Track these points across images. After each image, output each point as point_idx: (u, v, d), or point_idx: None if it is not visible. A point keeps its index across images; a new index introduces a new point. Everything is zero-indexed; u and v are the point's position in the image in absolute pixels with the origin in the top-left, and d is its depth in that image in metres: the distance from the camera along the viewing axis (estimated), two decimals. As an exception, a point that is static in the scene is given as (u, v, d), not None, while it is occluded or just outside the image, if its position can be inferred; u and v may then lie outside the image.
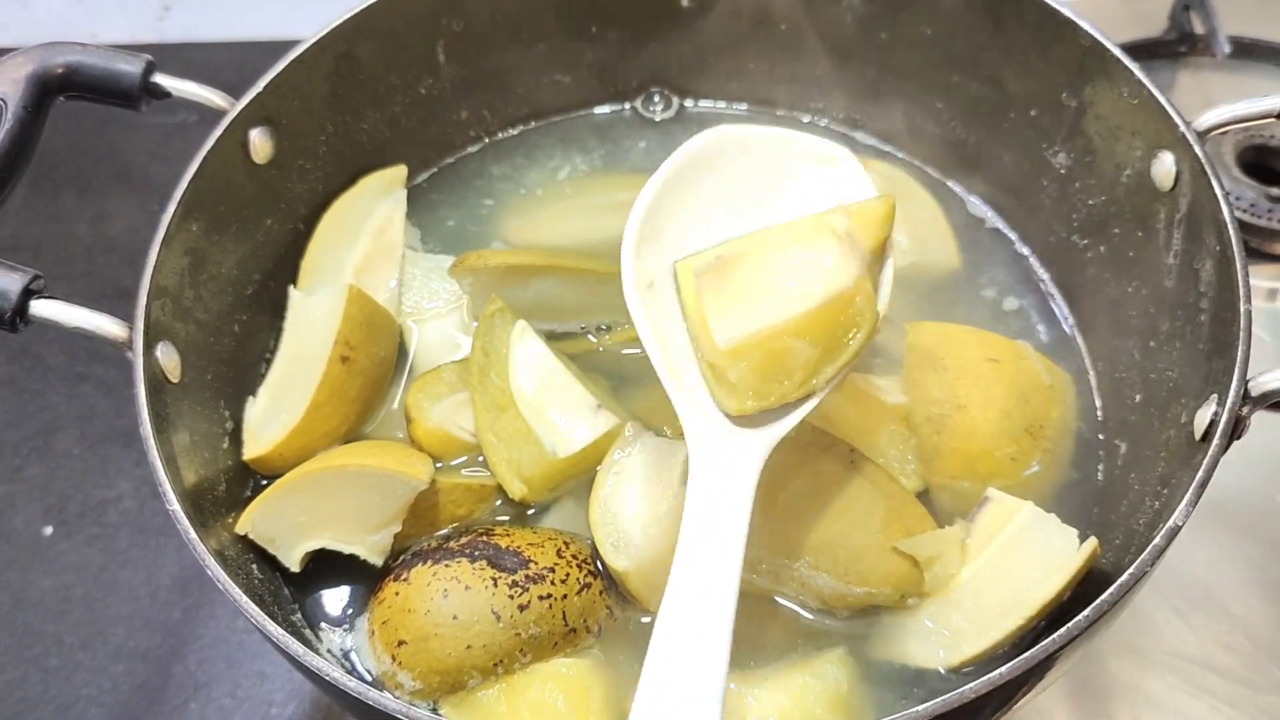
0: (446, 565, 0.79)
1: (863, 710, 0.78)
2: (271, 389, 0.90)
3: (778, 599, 0.82)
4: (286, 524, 0.82)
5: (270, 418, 0.88)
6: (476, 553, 0.80)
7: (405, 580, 0.80)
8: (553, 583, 0.79)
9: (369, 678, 0.81)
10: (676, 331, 0.74)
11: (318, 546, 0.83)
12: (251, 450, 0.87)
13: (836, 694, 0.77)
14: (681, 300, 0.74)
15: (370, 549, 0.82)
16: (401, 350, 0.94)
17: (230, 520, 0.83)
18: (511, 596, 0.78)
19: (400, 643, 0.78)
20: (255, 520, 0.82)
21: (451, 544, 0.81)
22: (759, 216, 0.78)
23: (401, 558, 0.83)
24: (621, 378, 0.92)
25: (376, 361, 0.90)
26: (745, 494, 0.70)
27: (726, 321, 0.71)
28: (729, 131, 0.81)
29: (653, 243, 0.77)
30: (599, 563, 0.82)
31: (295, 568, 0.83)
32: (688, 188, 0.79)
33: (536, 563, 0.79)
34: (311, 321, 0.90)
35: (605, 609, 0.81)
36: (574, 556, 0.81)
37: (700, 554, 0.67)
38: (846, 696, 0.77)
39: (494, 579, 0.78)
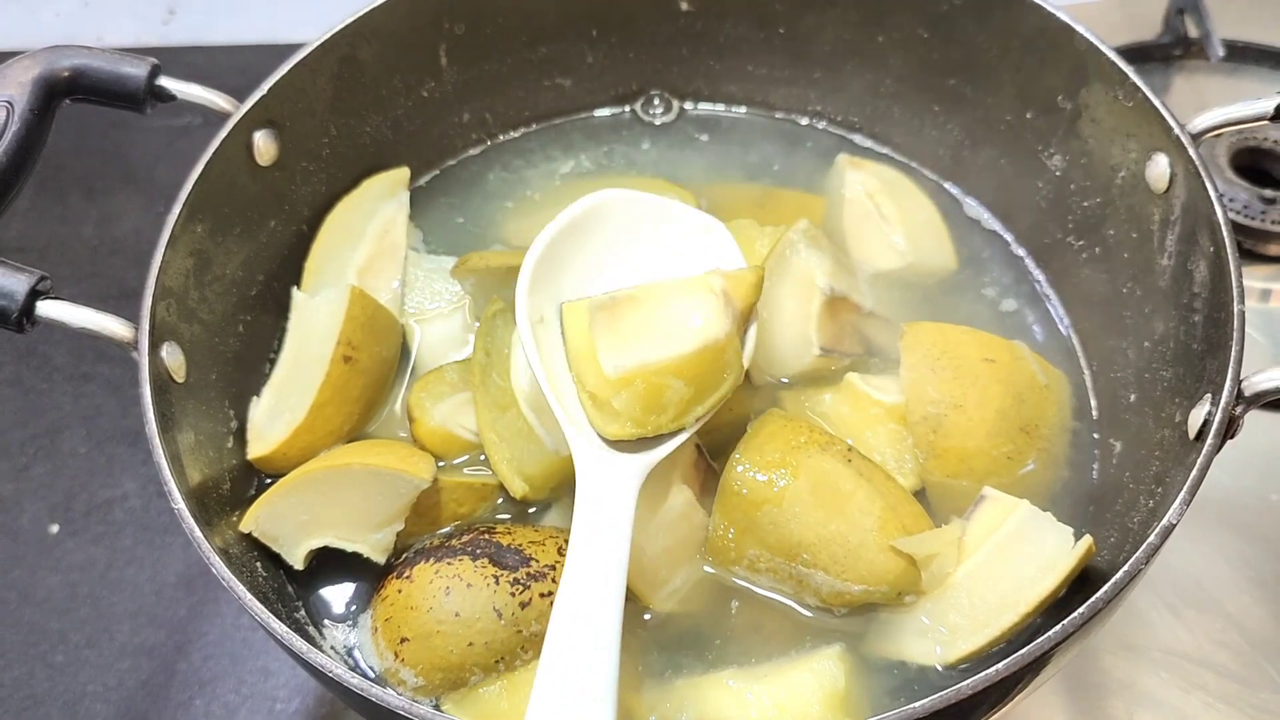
0: (449, 563, 0.79)
1: (860, 707, 0.78)
2: (275, 389, 0.90)
3: (776, 597, 0.82)
4: (290, 522, 0.82)
5: (274, 417, 0.88)
6: (478, 550, 0.80)
7: (408, 578, 0.80)
8: (554, 580, 0.79)
9: (372, 674, 0.81)
10: (560, 365, 0.80)
11: (321, 544, 0.83)
12: (256, 450, 0.88)
13: (834, 691, 0.77)
14: (566, 338, 0.80)
15: (373, 547, 0.82)
16: (404, 350, 0.94)
17: (235, 518, 0.83)
18: (513, 594, 0.78)
19: (403, 640, 0.78)
20: (259, 518, 0.82)
21: (453, 542, 0.81)
22: (641, 272, 0.85)
23: (404, 555, 0.83)
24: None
25: (379, 361, 0.90)
26: (625, 509, 0.76)
27: (614, 354, 0.78)
28: (617, 196, 0.87)
29: (545, 285, 0.83)
30: None
31: (299, 565, 0.83)
32: (579, 240, 0.85)
33: (538, 560, 0.79)
34: (314, 322, 0.90)
35: None
36: None
37: (586, 565, 0.73)
38: (844, 693, 0.77)
39: (495, 576, 0.78)
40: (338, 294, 0.89)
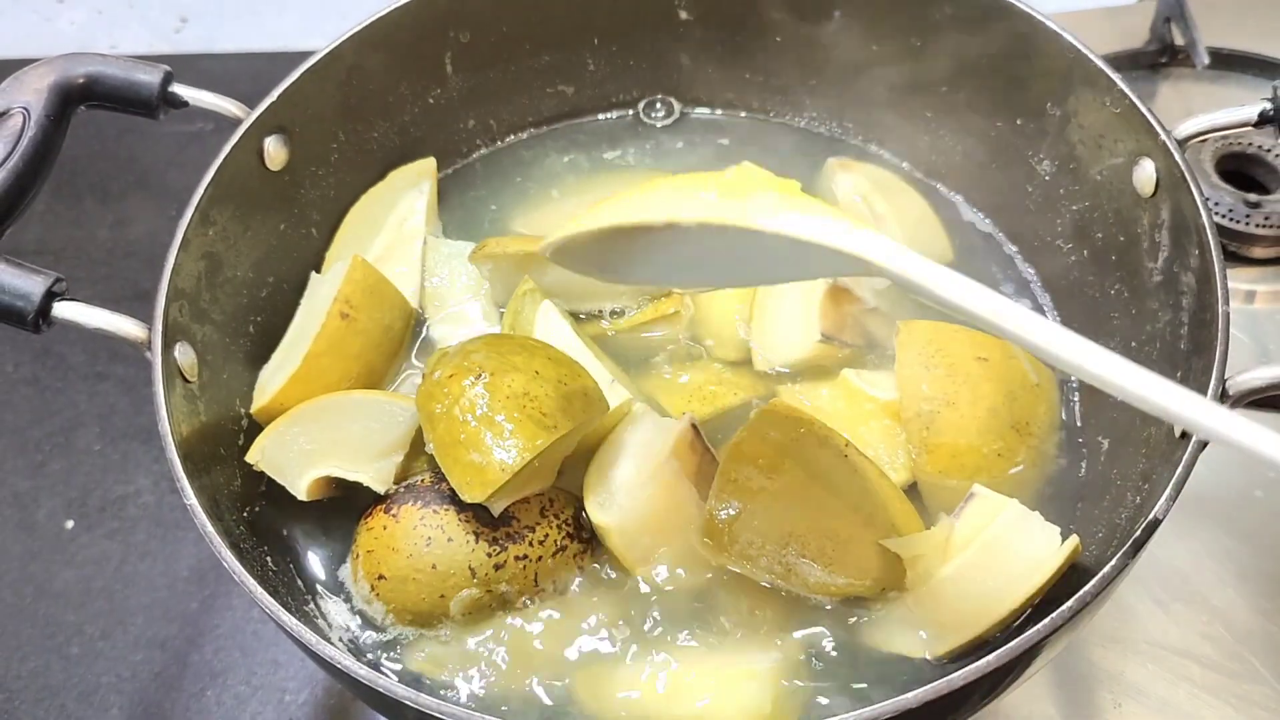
0: (435, 511, 0.80)
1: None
2: (281, 350, 0.91)
3: (766, 581, 0.82)
4: (295, 451, 0.83)
5: (275, 371, 0.89)
6: (466, 502, 0.79)
7: (394, 515, 0.80)
8: (530, 544, 0.80)
9: (375, 651, 0.81)
10: None
11: (324, 474, 0.83)
12: (257, 402, 0.88)
13: (758, 714, 0.77)
14: None
15: (374, 476, 0.82)
16: (426, 339, 0.95)
17: (245, 514, 0.84)
18: (489, 555, 0.79)
19: (380, 576, 0.80)
20: (265, 449, 0.83)
21: (444, 485, 0.80)
22: None
23: (398, 489, 0.83)
24: (632, 359, 0.93)
25: (380, 327, 0.90)
26: None
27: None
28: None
29: None
30: (580, 523, 0.82)
31: (303, 496, 0.83)
32: None
33: (520, 520, 0.80)
34: (321, 293, 0.91)
35: (576, 570, 0.82)
36: (556, 515, 0.82)
37: None
38: (768, 715, 0.77)
39: (476, 533, 0.79)
40: (343, 264, 0.90)
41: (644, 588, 0.82)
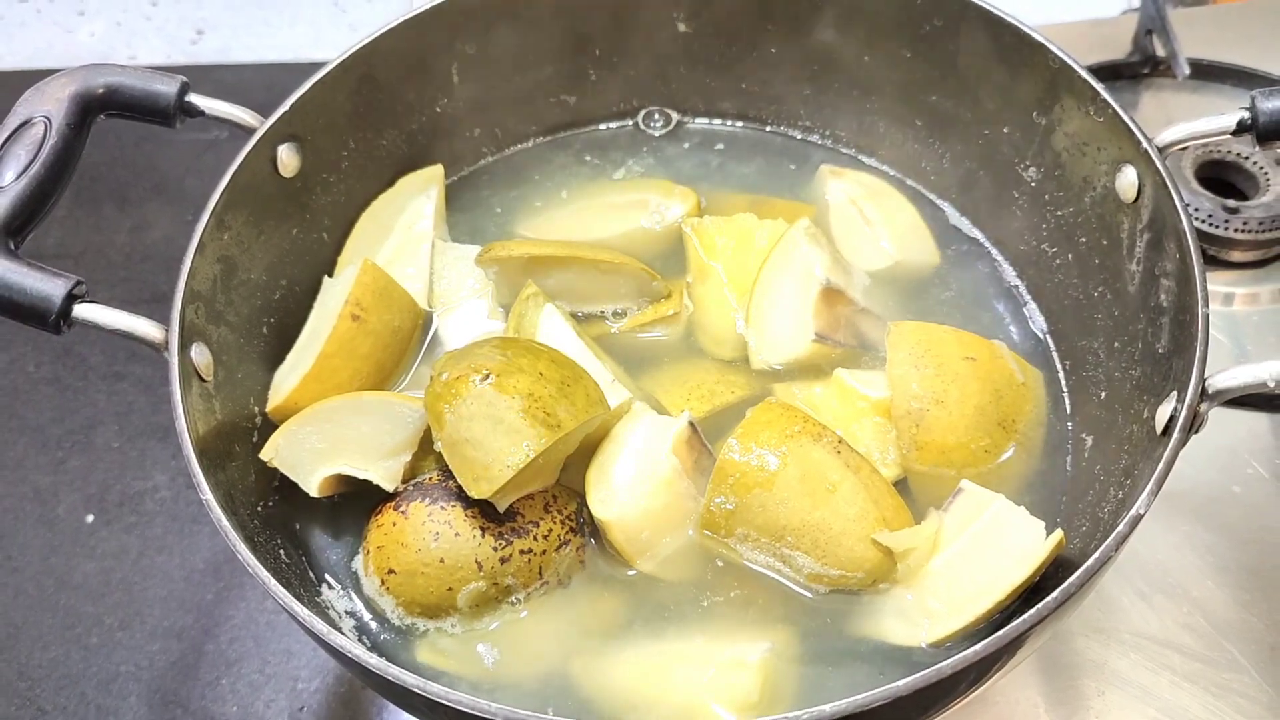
0: (442, 507, 0.80)
1: (775, 708, 0.77)
2: (295, 351, 0.91)
3: (764, 571, 0.82)
4: (307, 449, 0.83)
5: (289, 373, 0.89)
6: (472, 498, 0.79)
7: (403, 512, 0.81)
8: (535, 538, 0.80)
9: (385, 635, 0.81)
10: None
11: (335, 471, 0.83)
12: (272, 402, 0.88)
13: (746, 703, 0.77)
14: None
15: (383, 474, 0.82)
16: (434, 340, 0.95)
17: (259, 509, 0.84)
18: (495, 549, 0.79)
19: (390, 571, 0.80)
20: (279, 447, 0.83)
21: (451, 483, 0.81)
22: None
23: (406, 487, 0.83)
24: (633, 359, 0.93)
25: (389, 329, 0.90)
26: None
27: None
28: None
29: None
30: (581, 519, 0.83)
31: (314, 492, 0.83)
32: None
33: (524, 515, 0.80)
34: (333, 295, 0.91)
35: (578, 563, 0.82)
36: (559, 511, 0.82)
37: None
38: (755, 704, 0.77)
39: (482, 528, 0.79)
40: (353, 268, 0.90)
41: (642, 580, 0.83)
